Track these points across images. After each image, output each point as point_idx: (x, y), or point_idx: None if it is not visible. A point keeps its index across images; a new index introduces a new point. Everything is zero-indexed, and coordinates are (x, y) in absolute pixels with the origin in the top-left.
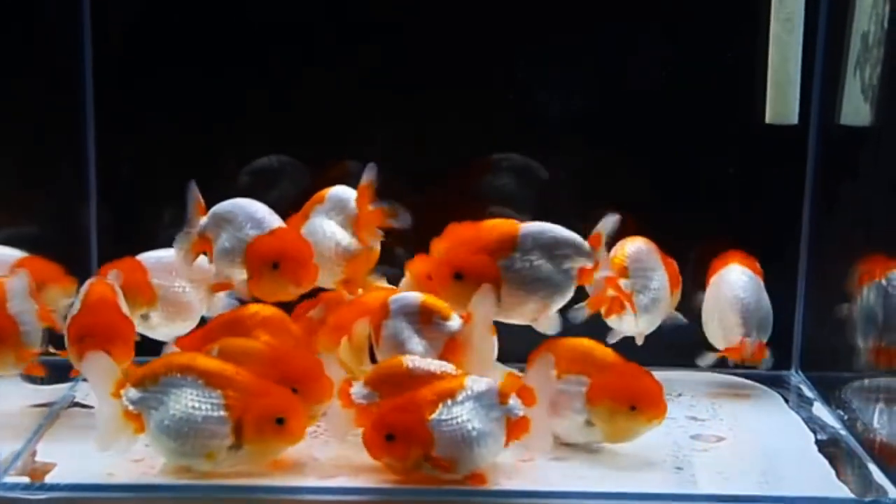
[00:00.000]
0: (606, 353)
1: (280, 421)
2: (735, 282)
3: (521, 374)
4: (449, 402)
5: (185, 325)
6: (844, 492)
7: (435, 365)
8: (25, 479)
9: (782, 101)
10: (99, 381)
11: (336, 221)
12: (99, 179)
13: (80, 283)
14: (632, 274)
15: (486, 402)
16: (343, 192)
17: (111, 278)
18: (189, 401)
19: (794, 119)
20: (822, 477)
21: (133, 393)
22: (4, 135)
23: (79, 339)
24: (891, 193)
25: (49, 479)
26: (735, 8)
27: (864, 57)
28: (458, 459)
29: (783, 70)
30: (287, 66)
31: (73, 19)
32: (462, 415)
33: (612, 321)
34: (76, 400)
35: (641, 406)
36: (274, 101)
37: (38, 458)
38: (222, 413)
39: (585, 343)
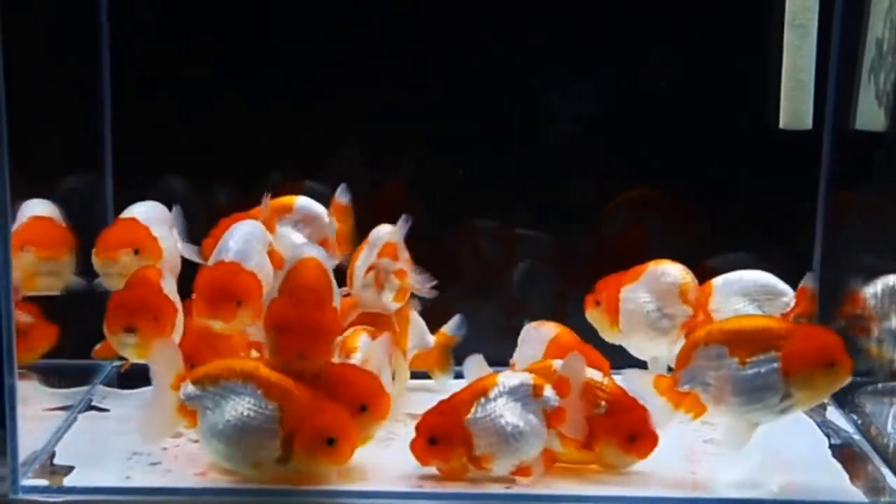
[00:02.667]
0: (763, 320)
1: (331, 441)
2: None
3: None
4: (483, 399)
5: None
6: (858, 496)
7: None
8: (44, 482)
9: (796, 107)
10: (161, 369)
11: (304, 234)
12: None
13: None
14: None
15: (520, 396)
16: (313, 205)
17: None
18: (245, 408)
19: (808, 124)
20: (835, 481)
21: (191, 389)
22: (22, 140)
23: (112, 310)
24: None
25: (67, 482)
26: (748, 13)
27: (879, 62)
28: (497, 455)
29: (797, 75)
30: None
31: (91, 19)
32: (496, 410)
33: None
34: (93, 403)
35: (838, 358)
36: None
37: (56, 461)
38: (275, 426)
39: (740, 322)
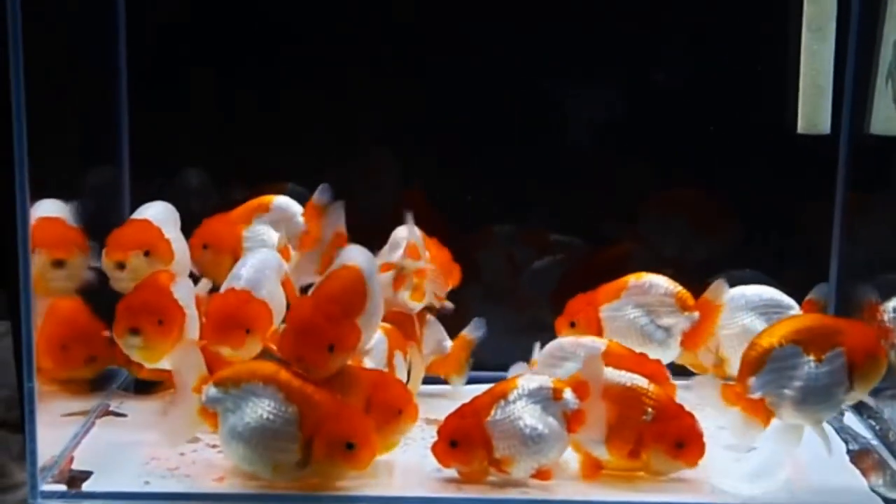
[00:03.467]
0: (817, 317)
1: (350, 446)
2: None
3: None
4: (502, 402)
5: None
6: (876, 502)
7: (626, 377)
8: (62, 487)
9: (814, 111)
10: (183, 372)
11: (280, 233)
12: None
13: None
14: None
15: (539, 398)
16: (290, 204)
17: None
18: (265, 411)
19: (825, 129)
20: (853, 487)
21: (213, 391)
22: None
23: (119, 312)
24: None
25: (86, 487)
26: (766, 18)
27: (895, 67)
28: (517, 458)
29: (815, 80)
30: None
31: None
32: (515, 413)
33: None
34: (111, 409)
35: (887, 350)
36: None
37: (74, 466)
38: (294, 429)
39: (801, 321)
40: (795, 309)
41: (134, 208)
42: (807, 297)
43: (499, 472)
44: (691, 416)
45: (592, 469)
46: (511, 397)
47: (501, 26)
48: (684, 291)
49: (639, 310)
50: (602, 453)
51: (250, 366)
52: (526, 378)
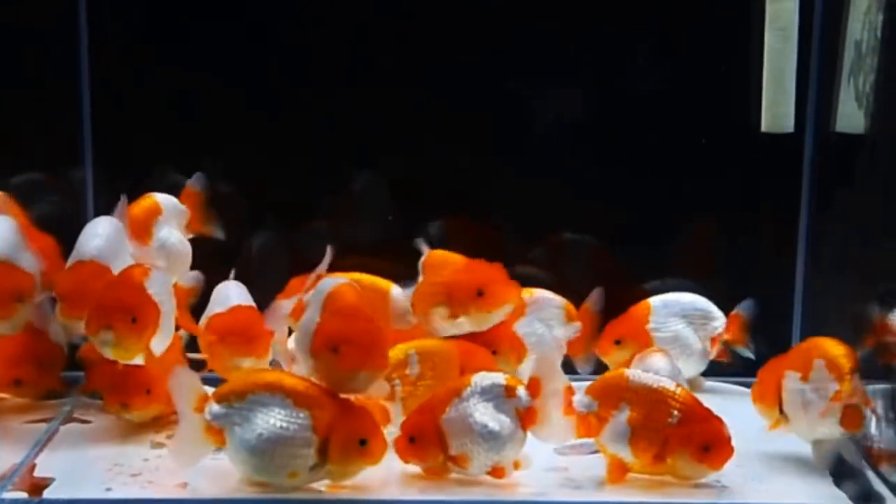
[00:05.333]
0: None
1: (363, 442)
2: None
3: None
4: (456, 400)
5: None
6: (843, 500)
7: (654, 380)
8: (23, 495)
9: (778, 110)
10: (182, 395)
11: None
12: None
13: None
14: None
15: (492, 396)
16: (171, 199)
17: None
18: (277, 420)
19: (790, 127)
20: (820, 485)
21: (216, 408)
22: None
23: (91, 311)
24: (887, 200)
25: (48, 493)
26: (729, 18)
27: (858, 65)
28: (471, 455)
29: (778, 79)
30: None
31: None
32: (467, 410)
33: None
34: (74, 415)
35: None
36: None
37: (36, 473)
38: (309, 434)
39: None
40: (721, 321)
41: (97, 209)
42: (733, 311)
43: (459, 469)
44: (719, 419)
45: (619, 472)
46: (465, 394)
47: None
48: (568, 303)
49: (541, 323)
50: (627, 456)
51: (251, 377)
52: (480, 375)
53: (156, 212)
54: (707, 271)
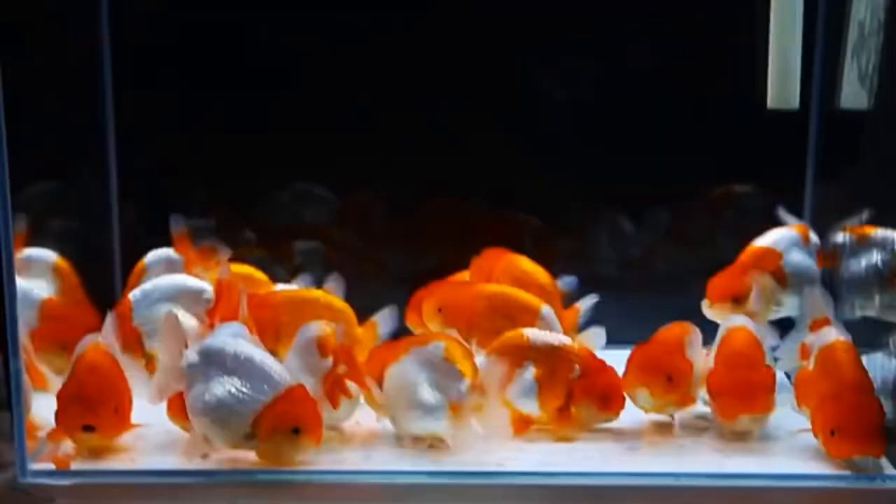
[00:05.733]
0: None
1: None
2: None
3: None
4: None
5: None
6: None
7: (554, 338)
8: (51, 466)
9: (783, 87)
10: (167, 338)
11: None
12: (120, 189)
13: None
14: None
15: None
16: (158, 256)
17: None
18: (227, 385)
19: (795, 104)
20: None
21: (194, 357)
22: (25, 148)
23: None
24: (889, 176)
25: (75, 466)
26: None
27: (861, 44)
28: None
29: (784, 56)
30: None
31: (92, 26)
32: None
33: None
34: None
35: None
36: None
37: (63, 446)
38: (246, 407)
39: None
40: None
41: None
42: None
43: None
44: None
45: (523, 425)
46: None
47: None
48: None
49: None
50: (534, 410)
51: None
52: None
53: (141, 274)
54: (712, 247)
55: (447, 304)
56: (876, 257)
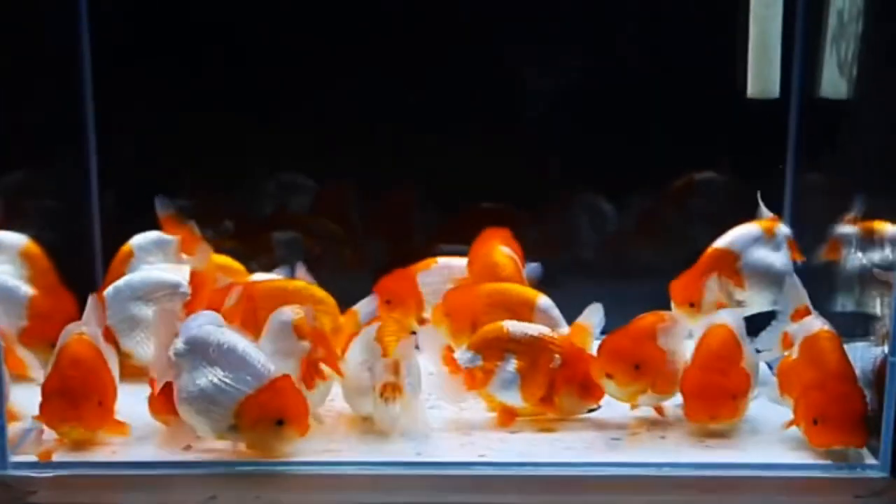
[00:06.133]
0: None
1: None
2: None
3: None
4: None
5: None
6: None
7: (534, 329)
8: (33, 458)
9: (763, 75)
10: (161, 329)
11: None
12: (101, 174)
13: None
14: None
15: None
16: (147, 238)
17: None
18: (210, 375)
19: (775, 93)
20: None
21: (181, 347)
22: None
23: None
24: (868, 163)
25: (56, 457)
26: None
27: (840, 32)
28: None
29: (764, 44)
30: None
31: (71, 9)
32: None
33: None
34: None
35: None
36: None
37: (45, 437)
38: (228, 398)
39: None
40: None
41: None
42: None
43: None
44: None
45: (508, 417)
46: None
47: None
48: None
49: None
50: (517, 402)
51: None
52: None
53: (128, 258)
54: (692, 235)
55: (452, 308)
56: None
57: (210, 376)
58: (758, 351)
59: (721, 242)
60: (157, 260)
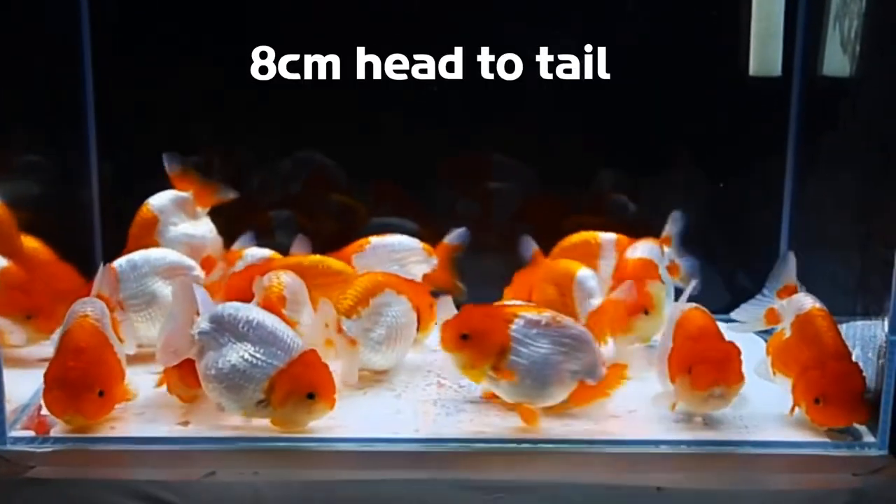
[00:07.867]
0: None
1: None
2: None
3: None
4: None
5: None
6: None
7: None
8: (31, 433)
9: (766, 53)
10: (180, 303)
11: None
12: (100, 158)
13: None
14: None
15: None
16: (164, 199)
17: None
18: (240, 351)
19: (777, 71)
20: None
21: (206, 325)
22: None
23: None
24: (870, 141)
25: (54, 432)
26: None
27: (843, 10)
28: None
29: (766, 22)
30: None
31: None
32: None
33: None
34: None
35: None
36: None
37: (43, 412)
38: (261, 372)
39: None
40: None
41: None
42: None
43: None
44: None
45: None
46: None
47: None
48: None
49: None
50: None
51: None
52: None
53: (153, 222)
54: (695, 213)
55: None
56: None
57: (241, 352)
58: (732, 321)
59: (638, 254)
60: (180, 220)
